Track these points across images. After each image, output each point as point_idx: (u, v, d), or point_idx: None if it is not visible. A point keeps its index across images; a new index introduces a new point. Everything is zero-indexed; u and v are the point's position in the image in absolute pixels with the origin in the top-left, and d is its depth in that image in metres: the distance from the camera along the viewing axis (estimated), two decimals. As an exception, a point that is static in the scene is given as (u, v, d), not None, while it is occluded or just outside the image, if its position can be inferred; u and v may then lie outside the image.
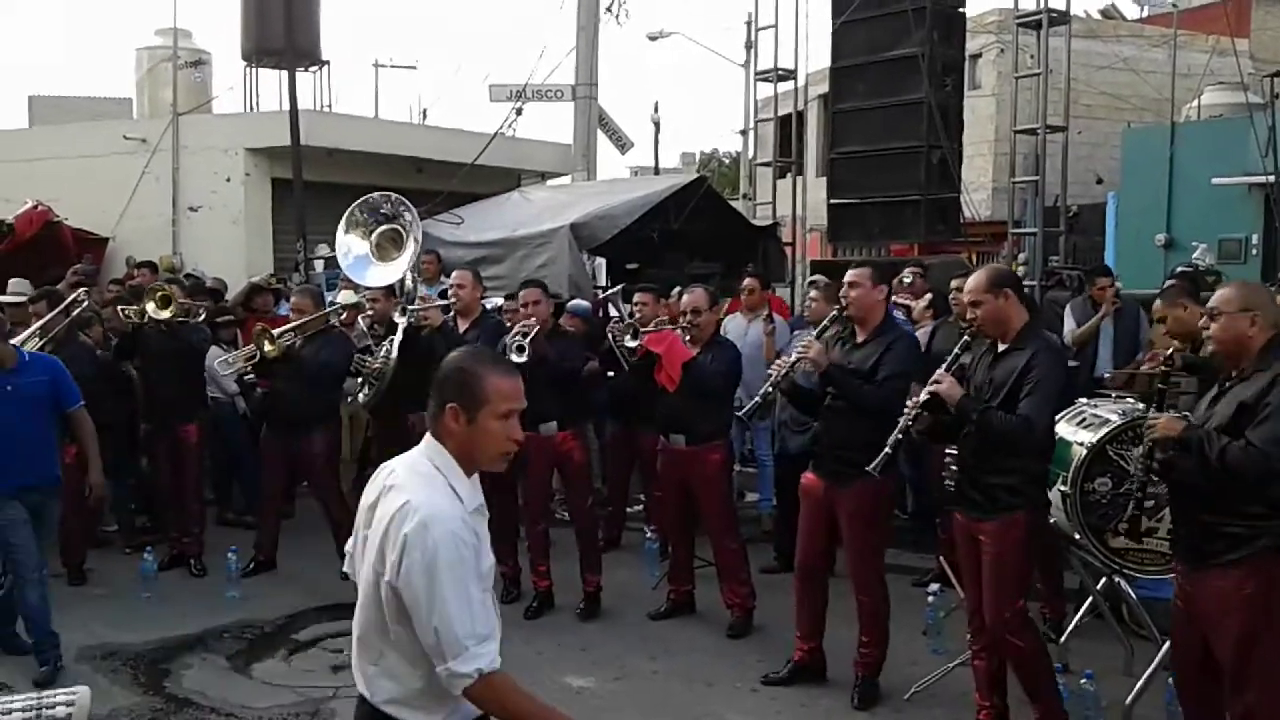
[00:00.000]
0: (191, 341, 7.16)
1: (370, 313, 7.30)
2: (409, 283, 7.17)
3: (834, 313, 5.23)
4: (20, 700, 2.55)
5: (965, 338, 4.50)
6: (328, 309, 7.23)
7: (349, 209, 7.24)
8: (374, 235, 7.23)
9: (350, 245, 7.26)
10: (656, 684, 5.33)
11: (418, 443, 2.61)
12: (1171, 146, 12.36)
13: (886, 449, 4.48)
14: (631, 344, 6.08)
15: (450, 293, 6.82)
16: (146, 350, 7.13)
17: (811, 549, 5.17)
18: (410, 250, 7.02)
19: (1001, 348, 4.40)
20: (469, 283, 6.73)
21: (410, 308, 6.73)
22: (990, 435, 4.23)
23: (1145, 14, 21.27)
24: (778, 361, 5.28)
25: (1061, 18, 10.77)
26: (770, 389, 5.19)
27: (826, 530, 5.10)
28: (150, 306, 6.84)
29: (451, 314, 6.79)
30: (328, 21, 21.55)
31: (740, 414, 5.31)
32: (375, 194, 7.33)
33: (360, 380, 7.12)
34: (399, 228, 7.17)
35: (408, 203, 7.23)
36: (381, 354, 6.91)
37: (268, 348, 6.68)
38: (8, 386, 5.28)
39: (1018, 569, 4.35)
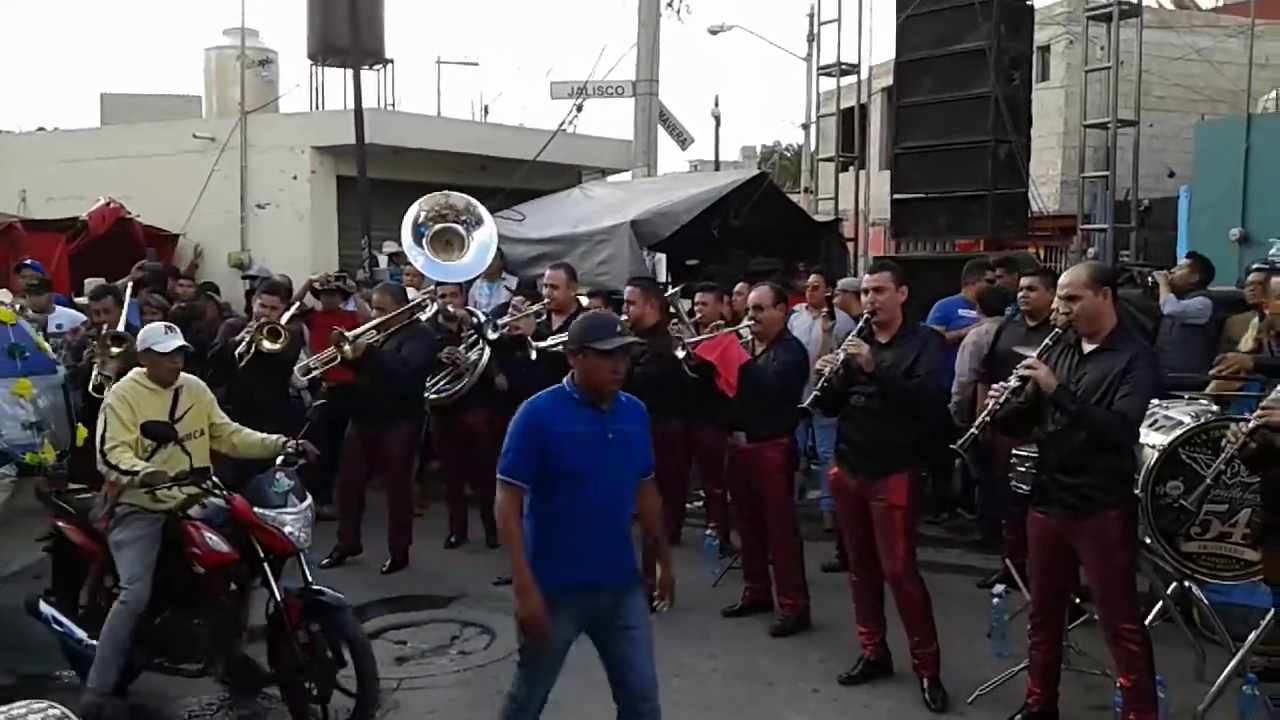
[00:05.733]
0: (290, 357, 7.36)
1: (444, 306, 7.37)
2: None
3: (865, 315, 5.16)
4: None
5: (1058, 330, 4.43)
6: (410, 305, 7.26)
7: (407, 211, 7.35)
8: (428, 234, 7.34)
9: (412, 249, 7.39)
10: (716, 682, 5.30)
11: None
12: (1248, 139, 11.99)
13: (973, 429, 4.48)
14: (680, 355, 6.03)
15: (544, 291, 6.85)
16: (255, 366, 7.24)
17: (859, 545, 5.17)
18: (478, 246, 7.09)
19: (1088, 348, 4.32)
20: (562, 282, 6.74)
21: (499, 320, 6.80)
22: (1086, 428, 4.19)
23: (1221, 3, 20.74)
24: (826, 358, 5.23)
25: (1133, 9, 10.57)
26: (828, 385, 5.13)
27: (866, 524, 5.07)
28: (265, 343, 7.01)
29: (545, 315, 6.82)
30: (391, 19, 21.75)
31: (802, 405, 5.31)
32: (432, 194, 7.42)
33: (444, 373, 7.18)
34: (453, 226, 7.24)
35: (470, 199, 7.29)
36: (475, 350, 6.99)
37: (346, 349, 6.78)
38: (609, 434, 3.64)
39: (1125, 568, 4.34)
